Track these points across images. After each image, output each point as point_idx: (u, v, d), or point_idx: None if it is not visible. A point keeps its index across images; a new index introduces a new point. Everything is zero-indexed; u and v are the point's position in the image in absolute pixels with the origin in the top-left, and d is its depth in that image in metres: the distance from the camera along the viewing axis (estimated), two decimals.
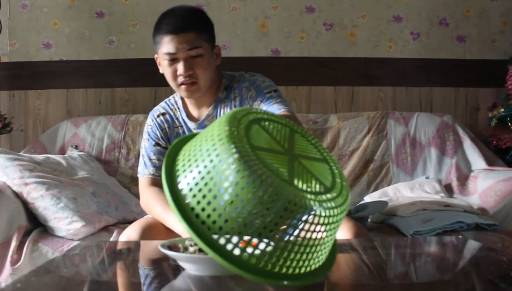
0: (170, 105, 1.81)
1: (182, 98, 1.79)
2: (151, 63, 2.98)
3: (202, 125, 1.74)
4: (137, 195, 2.52)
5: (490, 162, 2.57)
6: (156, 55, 1.70)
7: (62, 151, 2.70)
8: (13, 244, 1.96)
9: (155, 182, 1.73)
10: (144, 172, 1.75)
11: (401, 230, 2.02)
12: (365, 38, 3.04)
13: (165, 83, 2.98)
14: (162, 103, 1.83)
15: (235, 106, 1.71)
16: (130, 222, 2.23)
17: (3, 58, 2.88)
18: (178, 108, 1.80)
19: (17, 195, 2.08)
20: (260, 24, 3.02)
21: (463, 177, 2.56)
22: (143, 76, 3.02)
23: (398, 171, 2.65)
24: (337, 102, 3.03)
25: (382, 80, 3.03)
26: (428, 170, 2.63)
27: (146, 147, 1.77)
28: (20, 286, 0.93)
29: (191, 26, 1.60)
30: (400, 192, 2.47)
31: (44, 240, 2.01)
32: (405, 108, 2.99)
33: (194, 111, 1.78)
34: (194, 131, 1.73)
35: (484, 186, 2.36)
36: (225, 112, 1.71)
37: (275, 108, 1.61)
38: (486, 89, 3.02)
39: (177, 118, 1.79)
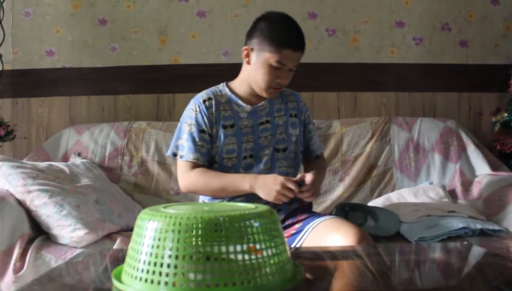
0: (215, 92, 1.91)
1: (228, 86, 1.94)
2: (154, 70, 3.04)
3: (255, 110, 1.90)
4: (140, 202, 2.54)
5: (494, 167, 2.56)
6: (247, 47, 1.83)
7: (65, 158, 2.70)
8: (16, 251, 1.96)
9: (198, 167, 1.84)
10: (189, 156, 1.82)
11: (405, 236, 2.01)
12: (367, 44, 3.04)
13: (168, 90, 3.02)
14: (206, 91, 1.93)
15: (290, 108, 1.96)
16: (133, 230, 2.23)
17: (6, 66, 2.88)
18: (226, 94, 1.91)
19: (20, 203, 2.08)
20: None
21: (467, 182, 2.55)
22: (146, 83, 3.03)
23: (401, 177, 2.64)
24: (340, 108, 3.02)
25: (385, 85, 3.03)
26: (432, 175, 2.62)
27: (192, 131, 1.84)
28: None
29: (304, 47, 1.82)
30: (404, 198, 2.46)
31: (47, 248, 2.00)
32: (408, 113, 2.98)
33: (246, 99, 1.91)
34: (245, 115, 1.89)
35: (489, 191, 2.35)
36: (277, 108, 1.94)
37: (317, 146, 2.03)
38: (490, 94, 3.02)
39: (224, 103, 1.89)
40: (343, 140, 2.72)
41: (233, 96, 1.90)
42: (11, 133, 2.71)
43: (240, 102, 1.89)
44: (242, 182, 1.76)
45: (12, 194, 2.09)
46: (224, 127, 1.85)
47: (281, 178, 1.70)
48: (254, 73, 1.83)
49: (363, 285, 1.06)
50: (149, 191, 2.64)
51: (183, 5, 3.03)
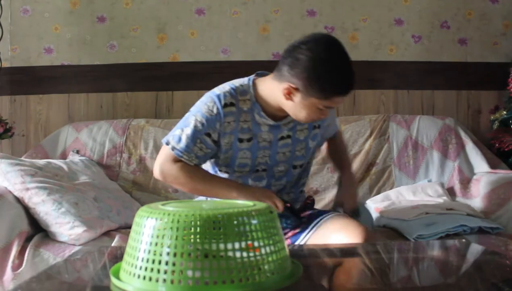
0: (239, 96, 1.68)
1: (255, 91, 1.70)
2: (152, 68, 3.03)
3: (278, 125, 1.71)
4: (138, 200, 2.53)
5: (492, 165, 2.56)
6: (290, 85, 1.56)
7: (64, 156, 2.69)
8: (15, 249, 1.95)
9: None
10: (181, 154, 1.64)
11: (403, 234, 2.02)
12: (366, 42, 3.04)
13: (167, 88, 3.02)
14: (231, 91, 1.67)
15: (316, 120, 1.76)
16: (131, 227, 2.23)
17: (4, 63, 2.88)
18: (250, 99, 1.69)
19: (19, 200, 2.08)
20: (261, 28, 3.01)
21: (466, 180, 2.55)
22: (144, 81, 3.02)
23: (400, 174, 2.64)
24: (338, 106, 3.02)
25: (384, 83, 3.03)
26: (431, 173, 2.62)
27: (198, 129, 1.63)
28: None
29: (354, 85, 1.60)
30: (402, 196, 2.46)
31: (46, 245, 2.00)
32: (407, 111, 2.98)
33: (270, 109, 1.69)
34: (266, 129, 1.71)
35: (487, 189, 2.35)
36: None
37: (332, 130, 1.96)
38: (488, 92, 3.02)
39: (245, 112, 1.68)
40: None
41: (257, 105, 1.68)
42: (10, 131, 2.71)
43: (262, 113, 1.68)
44: (229, 189, 1.64)
45: (10, 192, 2.09)
46: (240, 140, 1.68)
47: (269, 192, 1.67)
48: (295, 110, 1.61)
49: (361, 283, 1.06)
50: (148, 189, 2.64)
51: (182, 2, 3.03)
